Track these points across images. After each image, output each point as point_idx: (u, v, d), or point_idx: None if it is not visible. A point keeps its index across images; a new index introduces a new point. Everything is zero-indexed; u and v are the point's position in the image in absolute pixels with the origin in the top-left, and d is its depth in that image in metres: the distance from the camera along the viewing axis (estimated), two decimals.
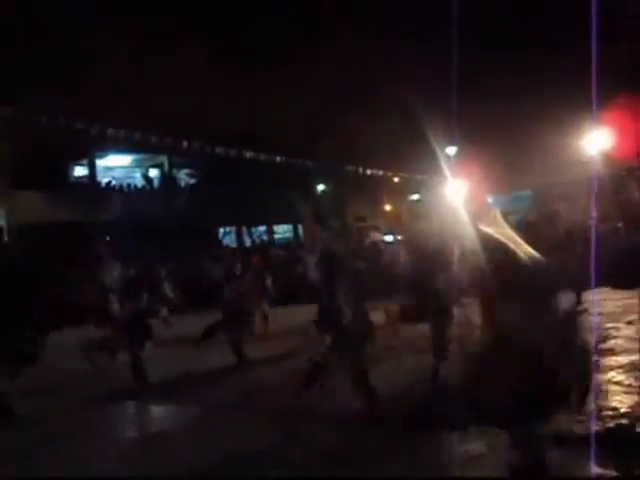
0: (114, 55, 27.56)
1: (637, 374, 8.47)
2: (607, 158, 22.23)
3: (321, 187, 45.28)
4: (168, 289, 21.57)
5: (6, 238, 30.90)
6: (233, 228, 40.40)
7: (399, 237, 38.11)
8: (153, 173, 39.95)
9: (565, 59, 22.63)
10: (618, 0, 19.59)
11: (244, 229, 40.46)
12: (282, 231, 44.04)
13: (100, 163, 37.10)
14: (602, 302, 14.36)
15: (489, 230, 5.03)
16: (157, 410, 9.71)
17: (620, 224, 19.98)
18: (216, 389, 10.40)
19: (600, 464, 5.51)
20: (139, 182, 39.04)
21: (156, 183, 39.71)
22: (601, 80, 11.89)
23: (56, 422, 9.01)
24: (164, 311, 20.04)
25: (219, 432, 7.82)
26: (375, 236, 38.81)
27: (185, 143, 37.62)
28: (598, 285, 13.94)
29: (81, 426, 8.60)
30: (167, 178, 39.47)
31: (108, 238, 31.75)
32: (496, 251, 4.87)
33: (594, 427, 6.51)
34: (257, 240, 40.81)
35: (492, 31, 27.97)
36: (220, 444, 7.31)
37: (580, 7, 10.53)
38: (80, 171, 37.23)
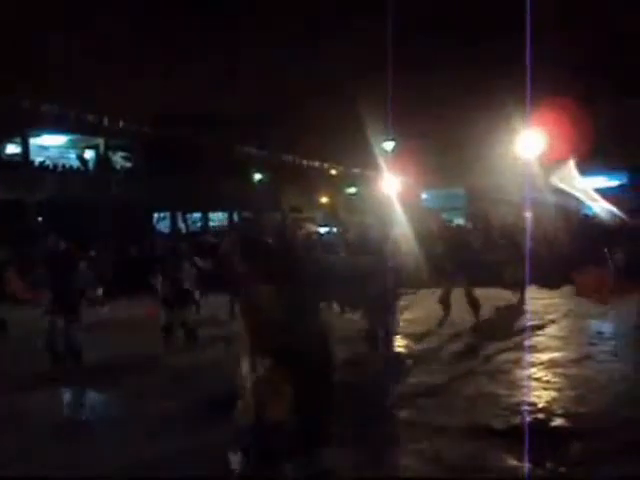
0: (50, 26, 26.93)
1: (556, 371, 8.79)
2: (541, 160, 22.66)
3: (258, 176, 45.23)
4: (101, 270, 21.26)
5: None
6: (168, 214, 40.08)
7: (335, 229, 38.42)
8: (89, 155, 39.31)
9: (502, 59, 23.01)
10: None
11: (179, 215, 40.16)
12: (217, 218, 43.88)
13: (34, 142, 36.37)
14: (528, 301, 14.82)
15: None
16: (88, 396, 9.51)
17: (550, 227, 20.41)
18: (145, 375, 10.31)
19: (516, 457, 5.74)
20: (74, 163, 38.38)
21: (91, 165, 39.10)
22: (534, 82, 12.18)
23: None
24: (99, 291, 19.83)
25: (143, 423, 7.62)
26: (309, 227, 38.99)
27: (122, 124, 37.15)
28: (526, 285, 14.54)
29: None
30: (103, 160, 38.89)
31: (40, 218, 31.31)
32: None
33: (512, 421, 6.77)
34: (191, 226, 40.56)
35: (431, 30, 28.32)
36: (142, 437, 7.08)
37: (516, 7, 10.81)
38: (12, 149, 36.44)
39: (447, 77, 28.48)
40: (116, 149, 40.03)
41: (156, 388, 9.14)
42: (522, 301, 14.72)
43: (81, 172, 37.83)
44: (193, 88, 32.04)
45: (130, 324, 14.96)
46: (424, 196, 42.35)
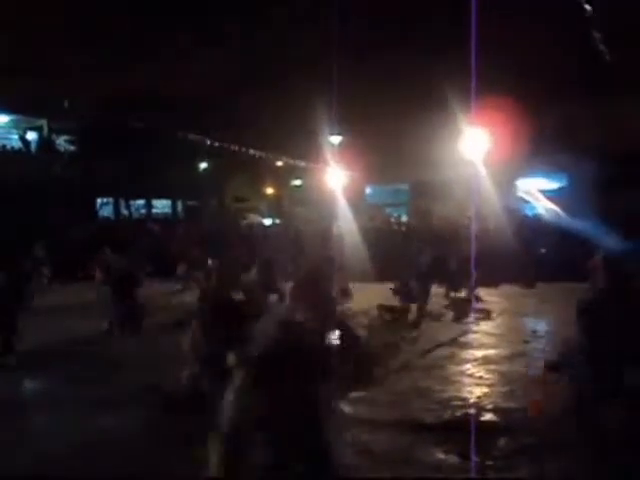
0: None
1: (489, 367, 8.96)
2: (485, 159, 22.92)
3: (203, 164, 44.99)
4: (44, 255, 20.93)
5: None
6: (111, 199, 39.58)
7: (278, 221, 38.53)
8: (31, 136, 38.57)
9: (447, 57, 23.18)
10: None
11: (122, 201, 39.70)
12: (161, 206, 43.51)
13: None
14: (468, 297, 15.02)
15: None
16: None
17: (493, 226, 20.70)
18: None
19: (444, 450, 5.84)
20: (16, 144, 37.65)
21: (34, 147, 38.38)
22: (480, 83, 12.33)
23: None
24: (45, 278, 19.62)
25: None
26: (253, 218, 39.02)
27: (66, 104, 36.45)
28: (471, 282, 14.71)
29: None
30: (45, 142, 38.20)
31: None
32: None
33: (443, 416, 6.87)
34: (134, 213, 40.14)
35: (381, 27, 28.44)
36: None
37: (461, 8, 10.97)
38: None
39: (395, 74, 28.57)
40: (60, 132, 39.33)
41: (91, 374, 9.07)
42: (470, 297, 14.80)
43: (23, 154, 37.13)
44: (143, 73, 31.56)
45: (76, 309, 14.75)
46: (368, 191, 42.52)
